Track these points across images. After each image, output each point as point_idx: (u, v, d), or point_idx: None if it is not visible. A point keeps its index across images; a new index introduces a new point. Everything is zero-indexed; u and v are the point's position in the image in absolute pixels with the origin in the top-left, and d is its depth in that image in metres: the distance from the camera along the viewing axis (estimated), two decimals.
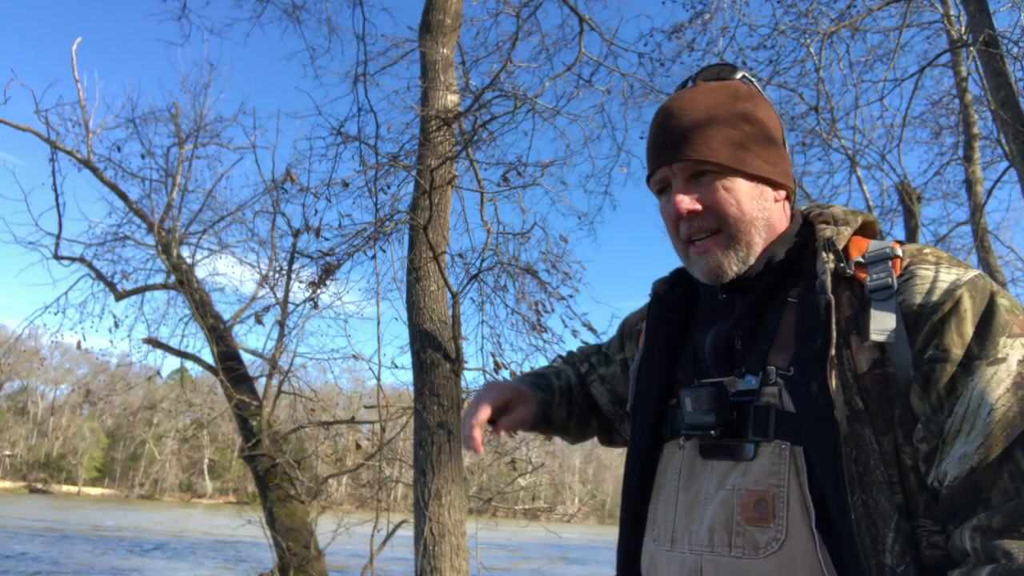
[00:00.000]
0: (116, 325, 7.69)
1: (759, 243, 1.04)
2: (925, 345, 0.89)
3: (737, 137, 1.04)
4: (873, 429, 0.88)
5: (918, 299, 0.92)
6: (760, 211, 1.04)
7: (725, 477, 0.97)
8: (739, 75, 1.10)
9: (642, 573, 1.07)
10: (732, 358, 1.03)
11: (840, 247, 1.00)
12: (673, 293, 1.19)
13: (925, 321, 0.90)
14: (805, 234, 1.07)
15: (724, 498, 0.95)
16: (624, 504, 1.10)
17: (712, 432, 0.99)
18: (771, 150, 1.06)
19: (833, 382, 0.90)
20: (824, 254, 0.99)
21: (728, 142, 1.03)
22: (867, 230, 1.07)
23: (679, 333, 1.15)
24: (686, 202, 1.04)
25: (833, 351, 0.92)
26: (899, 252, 0.98)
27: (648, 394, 1.12)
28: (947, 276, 0.93)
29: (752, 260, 1.04)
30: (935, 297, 0.91)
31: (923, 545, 0.86)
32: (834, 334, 0.92)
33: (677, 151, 1.05)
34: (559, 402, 1.31)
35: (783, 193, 1.09)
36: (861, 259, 0.99)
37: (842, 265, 0.98)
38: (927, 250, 0.99)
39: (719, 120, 1.04)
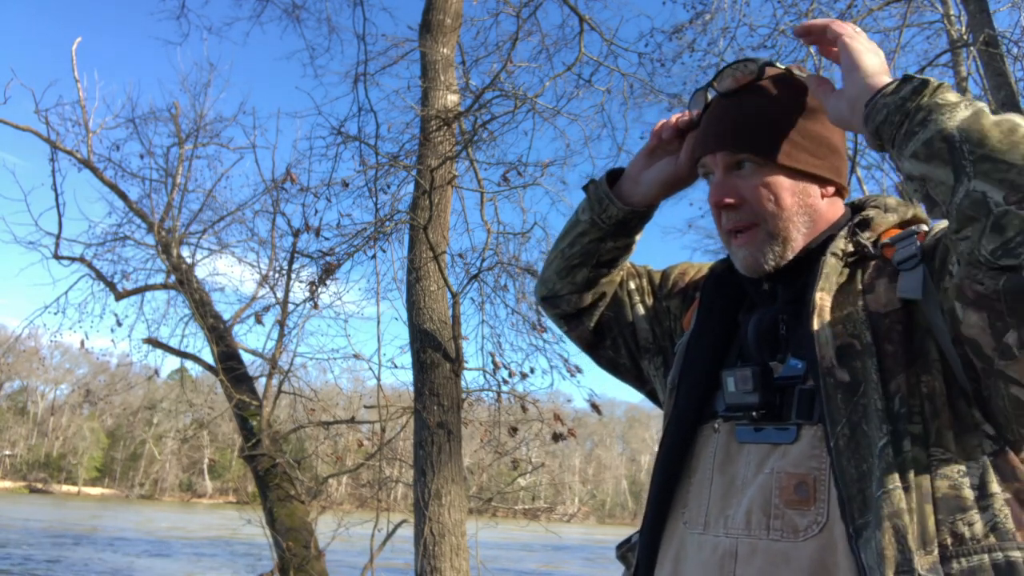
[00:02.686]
0: (119, 324, 7.71)
1: (798, 239, 1.04)
2: (943, 250, 0.91)
3: (784, 130, 1.03)
4: (883, 364, 0.90)
5: (932, 235, 0.96)
6: (801, 207, 1.04)
7: (764, 461, 0.96)
8: (761, 64, 1.07)
9: (667, 554, 1.05)
10: (776, 343, 1.03)
11: (879, 231, 1.02)
12: (731, 275, 1.16)
13: (938, 241, 0.94)
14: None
15: (763, 481, 0.94)
16: (655, 483, 1.08)
17: (754, 413, 0.98)
18: (821, 145, 1.05)
19: (815, 325, 0.94)
20: (844, 230, 1.02)
21: (773, 135, 1.03)
22: (918, 223, 1.07)
23: (731, 317, 1.14)
24: (718, 193, 1.04)
25: (818, 296, 0.96)
26: (924, 228, 1.00)
27: (694, 373, 1.10)
28: None
29: (789, 255, 1.04)
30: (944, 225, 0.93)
31: (933, 475, 0.86)
32: (819, 283, 0.97)
33: (719, 140, 1.05)
34: (622, 249, 1.28)
35: (831, 189, 1.07)
36: (888, 240, 1.01)
37: (865, 244, 1.00)
38: None
39: (768, 112, 1.04)
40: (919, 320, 0.92)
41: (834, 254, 0.99)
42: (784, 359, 1.00)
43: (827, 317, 0.95)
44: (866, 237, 1.01)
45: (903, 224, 1.06)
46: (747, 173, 1.04)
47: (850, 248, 1.01)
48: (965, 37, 6.13)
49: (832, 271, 0.99)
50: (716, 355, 1.10)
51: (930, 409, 0.88)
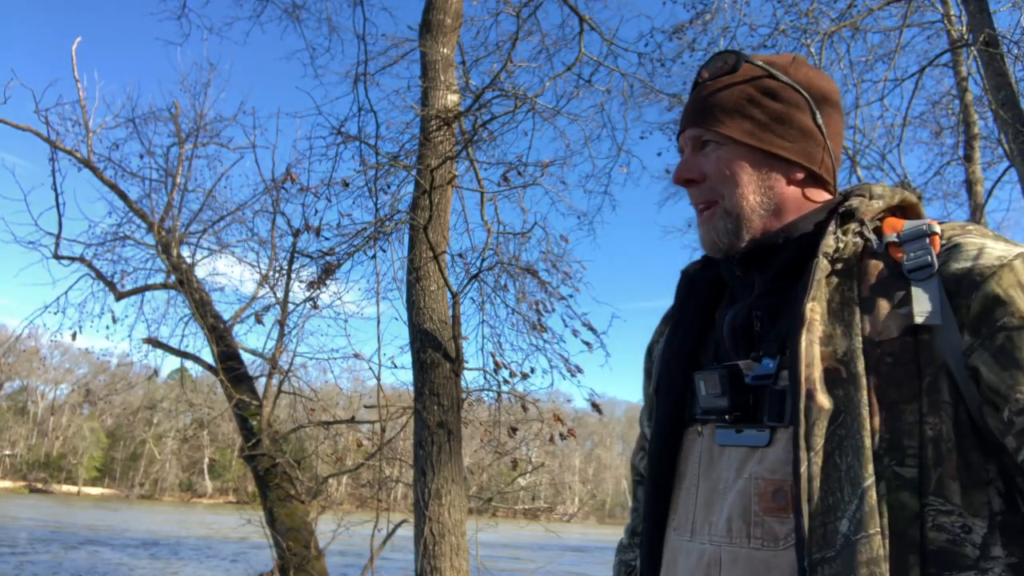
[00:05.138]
0: (114, 320, 7.71)
1: (755, 220, 1.01)
2: (984, 312, 0.83)
3: (749, 111, 1.02)
4: (883, 396, 0.84)
5: (962, 264, 0.86)
6: (761, 187, 1.01)
7: (743, 465, 0.93)
8: (744, 63, 1.05)
9: (663, 563, 1.04)
10: (751, 340, 0.99)
11: (867, 218, 0.95)
12: (703, 273, 1.14)
13: (976, 287, 0.84)
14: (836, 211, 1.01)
15: (742, 487, 0.91)
16: (648, 492, 1.07)
17: (726, 417, 0.95)
18: (791, 128, 1.02)
19: (803, 343, 0.87)
20: (833, 224, 0.94)
21: (736, 114, 1.02)
22: (910, 212, 1.01)
23: (706, 315, 1.10)
24: (680, 170, 1.05)
25: (809, 307, 0.89)
26: (937, 229, 0.91)
27: (671, 376, 1.08)
28: (996, 246, 0.87)
29: (745, 236, 1.01)
30: (984, 261, 0.85)
31: (928, 525, 0.80)
32: (810, 292, 0.89)
33: (685, 119, 1.06)
34: None
35: (800, 175, 1.02)
36: (895, 238, 0.93)
37: (870, 241, 0.93)
38: (970, 226, 0.93)
39: (735, 94, 1.03)
40: (933, 353, 0.84)
41: (825, 254, 0.92)
42: (759, 357, 0.96)
43: (817, 333, 0.88)
44: (853, 229, 0.94)
45: (891, 211, 1.01)
46: (710, 151, 1.03)
47: (840, 246, 0.93)
48: (965, 37, 6.13)
49: (823, 275, 0.92)
50: (692, 355, 1.08)
51: (933, 455, 0.81)
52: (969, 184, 8.00)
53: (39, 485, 59.30)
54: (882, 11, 6.48)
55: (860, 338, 0.87)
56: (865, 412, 0.83)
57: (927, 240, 0.90)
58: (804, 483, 0.82)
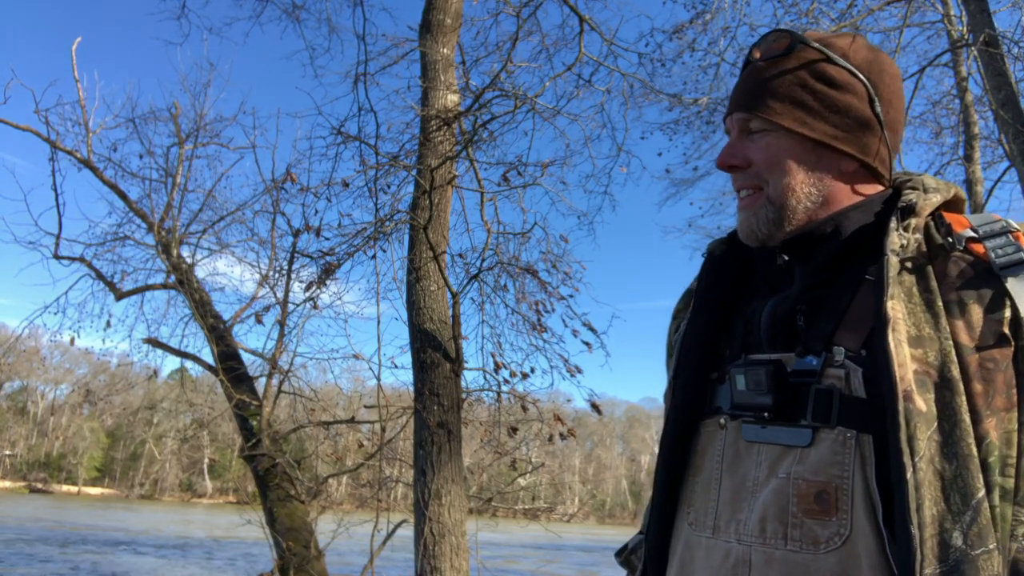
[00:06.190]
0: (108, 325, 7.72)
1: (800, 211, 0.97)
2: None
3: (802, 98, 0.98)
4: (987, 403, 0.82)
5: None
6: (810, 178, 0.97)
7: (776, 463, 0.89)
8: (799, 44, 1.00)
9: (672, 556, 1.01)
10: (791, 335, 0.95)
11: (924, 213, 0.92)
12: (731, 253, 1.10)
13: None
14: (891, 204, 0.97)
15: (778, 487, 0.87)
16: (658, 482, 1.03)
17: (765, 414, 0.91)
18: (845, 117, 0.97)
19: (891, 342, 0.82)
20: (894, 220, 0.91)
21: (788, 100, 0.98)
22: (957, 206, 0.99)
23: (730, 301, 1.06)
24: (725, 155, 1.01)
25: (890, 305, 0.84)
26: (1016, 225, 0.89)
27: (691, 364, 1.04)
28: None
29: (787, 227, 0.97)
30: None
31: (1014, 535, 0.79)
32: (889, 290, 0.85)
33: (733, 103, 1.03)
34: None
35: (852, 166, 0.98)
36: (974, 233, 0.89)
37: (949, 240, 0.89)
38: None
39: (788, 78, 0.99)
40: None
41: (893, 252, 0.88)
42: (802, 353, 0.92)
43: (903, 333, 0.84)
44: (915, 225, 0.91)
45: (947, 205, 0.97)
46: (758, 137, 1.00)
47: (904, 243, 0.90)
48: (965, 37, 6.13)
49: (895, 272, 0.88)
50: (714, 343, 1.04)
51: None
52: (969, 184, 8.00)
53: (39, 485, 59.30)
54: (882, 11, 6.48)
55: (951, 341, 0.84)
56: (967, 419, 0.81)
57: (1010, 236, 0.88)
58: (911, 490, 0.78)
